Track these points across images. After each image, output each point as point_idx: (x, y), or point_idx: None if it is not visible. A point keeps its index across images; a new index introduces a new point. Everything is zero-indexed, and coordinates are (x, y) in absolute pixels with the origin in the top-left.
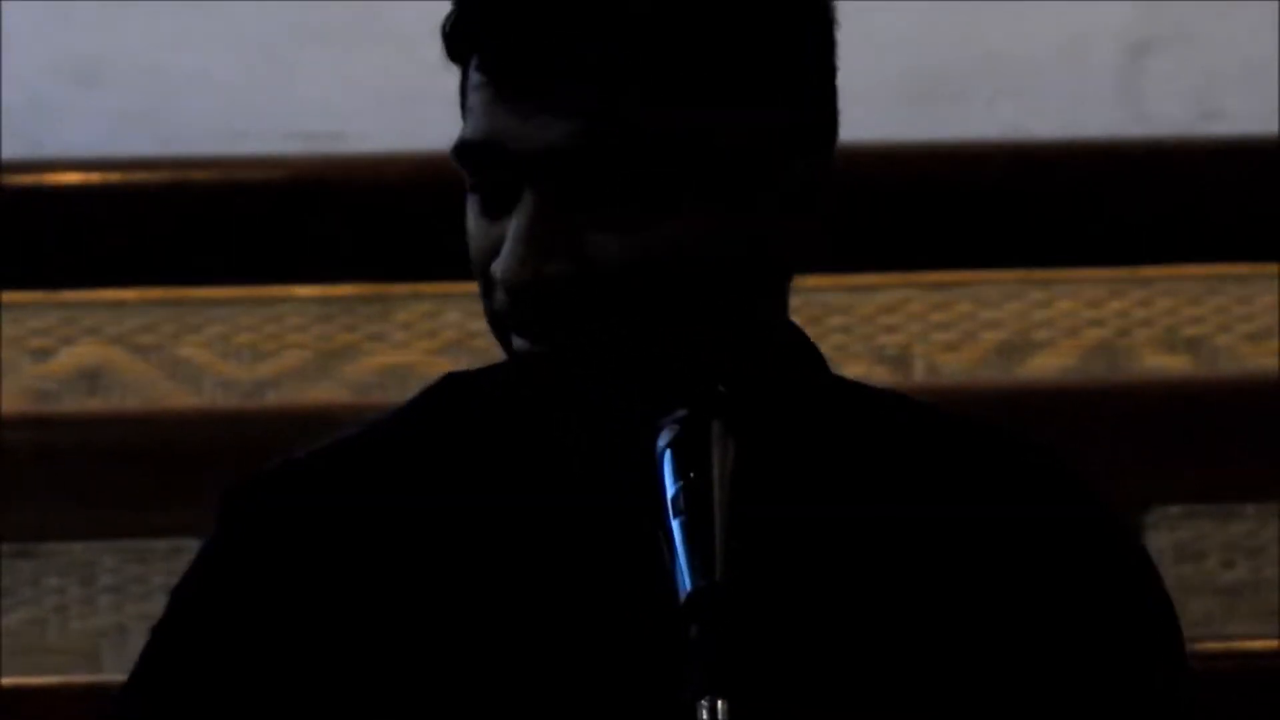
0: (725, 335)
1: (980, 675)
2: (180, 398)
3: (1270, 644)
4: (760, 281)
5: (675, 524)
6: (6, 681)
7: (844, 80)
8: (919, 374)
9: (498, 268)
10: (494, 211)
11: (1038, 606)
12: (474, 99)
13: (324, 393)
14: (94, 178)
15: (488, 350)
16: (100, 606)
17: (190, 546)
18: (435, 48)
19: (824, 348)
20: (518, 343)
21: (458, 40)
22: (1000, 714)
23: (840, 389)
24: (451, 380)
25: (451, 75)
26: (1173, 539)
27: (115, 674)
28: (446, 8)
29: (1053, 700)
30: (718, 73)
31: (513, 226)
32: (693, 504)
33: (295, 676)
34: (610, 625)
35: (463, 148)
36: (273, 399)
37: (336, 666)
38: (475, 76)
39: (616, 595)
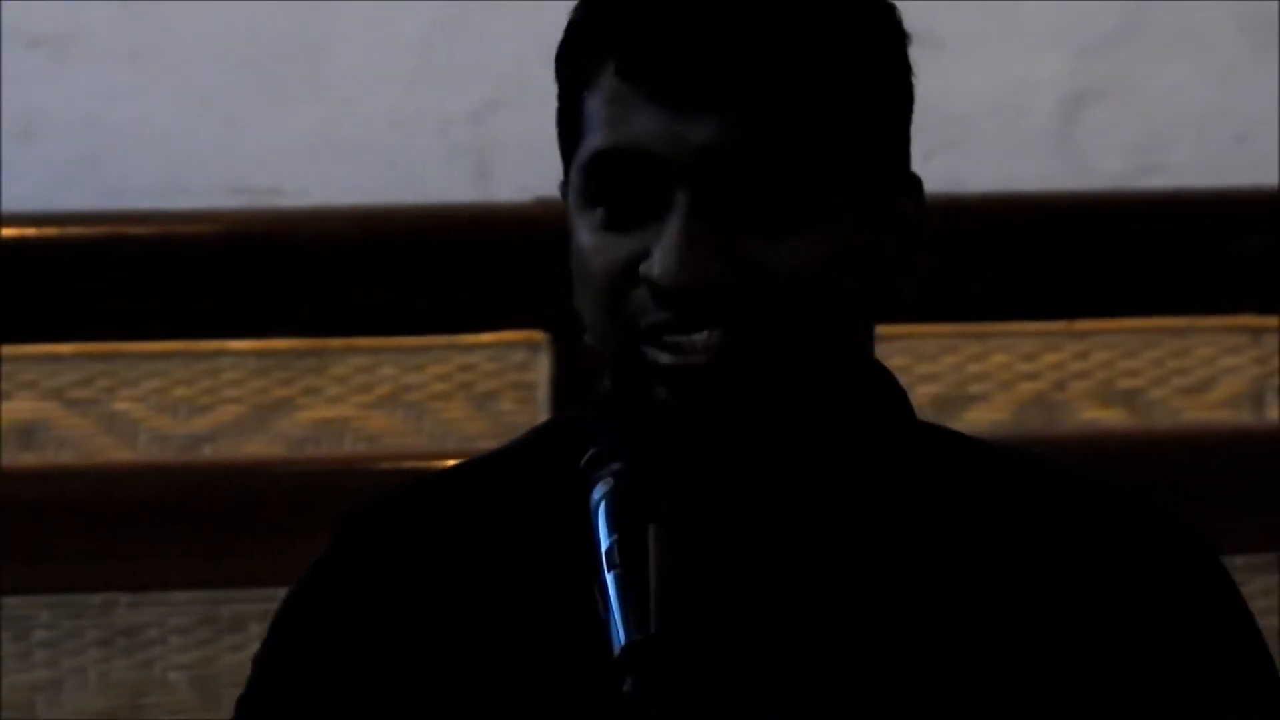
0: (836, 363)
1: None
2: (115, 452)
3: None
4: (872, 313)
5: (609, 578)
6: None
7: None
8: None
9: (655, 272)
10: (625, 223)
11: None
12: (609, 110)
13: (260, 447)
14: (30, 232)
15: (422, 404)
16: (35, 661)
17: (125, 601)
18: (373, 103)
19: None
20: (663, 357)
21: (591, 48)
22: None
23: (925, 434)
24: (559, 420)
25: (389, 132)
26: None
27: None
28: (383, 65)
29: None
30: (851, 92)
31: (669, 230)
32: (627, 559)
33: (390, 706)
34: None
35: (604, 156)
36: (208, 453)
37: (425, 700)
38: (611, 85)
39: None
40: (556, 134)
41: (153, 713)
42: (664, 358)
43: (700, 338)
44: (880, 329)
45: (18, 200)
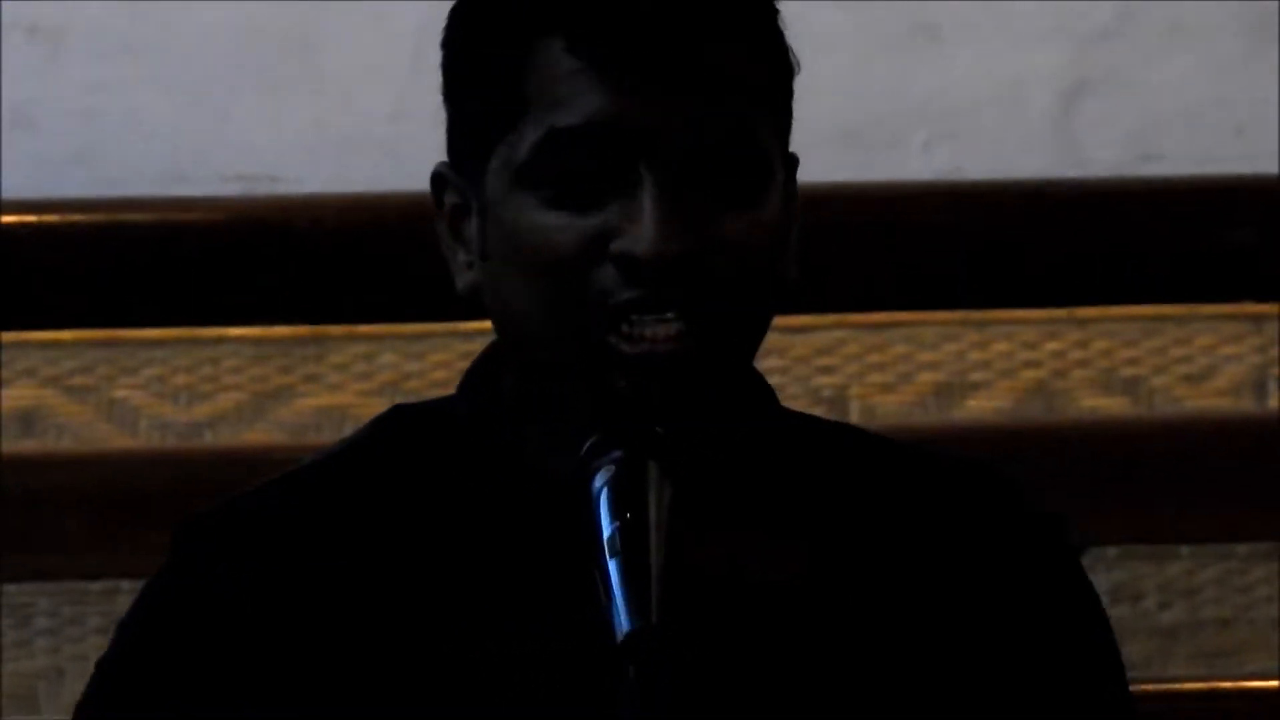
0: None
1: (937, 699)
2: (116, 439)
3: (1209, 685)
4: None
5: (611, 565)
6: None
7: None
8: (855, 415)
9: (638, 247)
10: (581, 202)
11: (979, 630)
12: (557, 88)
13: (260, 434)
14: (29, 218)
15: (423, 392)
16: (36, 649)
17: (126, 588)
18: (367, 94)
19: None
20: (625, 347)
21: (527, 25)
22: None
23: (790, 422)
24: (398, 412)
25: (385, 123)
26: (1109, 580)
27: (52, 715)
28: (379, 57)
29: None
30: (783, 70)
31: (646, 205)
32: (629, 545)
33: (240, 713)
34: (552, 664)
35: (563, 133)
36: (209, 440)
37: (279, 706)
38: (557, 63)
39: (561, 632)
40: (455, 116)
41: None
42: (626, 347)
43: (666, 326)
44: (881, 317)
45: (17, 189)
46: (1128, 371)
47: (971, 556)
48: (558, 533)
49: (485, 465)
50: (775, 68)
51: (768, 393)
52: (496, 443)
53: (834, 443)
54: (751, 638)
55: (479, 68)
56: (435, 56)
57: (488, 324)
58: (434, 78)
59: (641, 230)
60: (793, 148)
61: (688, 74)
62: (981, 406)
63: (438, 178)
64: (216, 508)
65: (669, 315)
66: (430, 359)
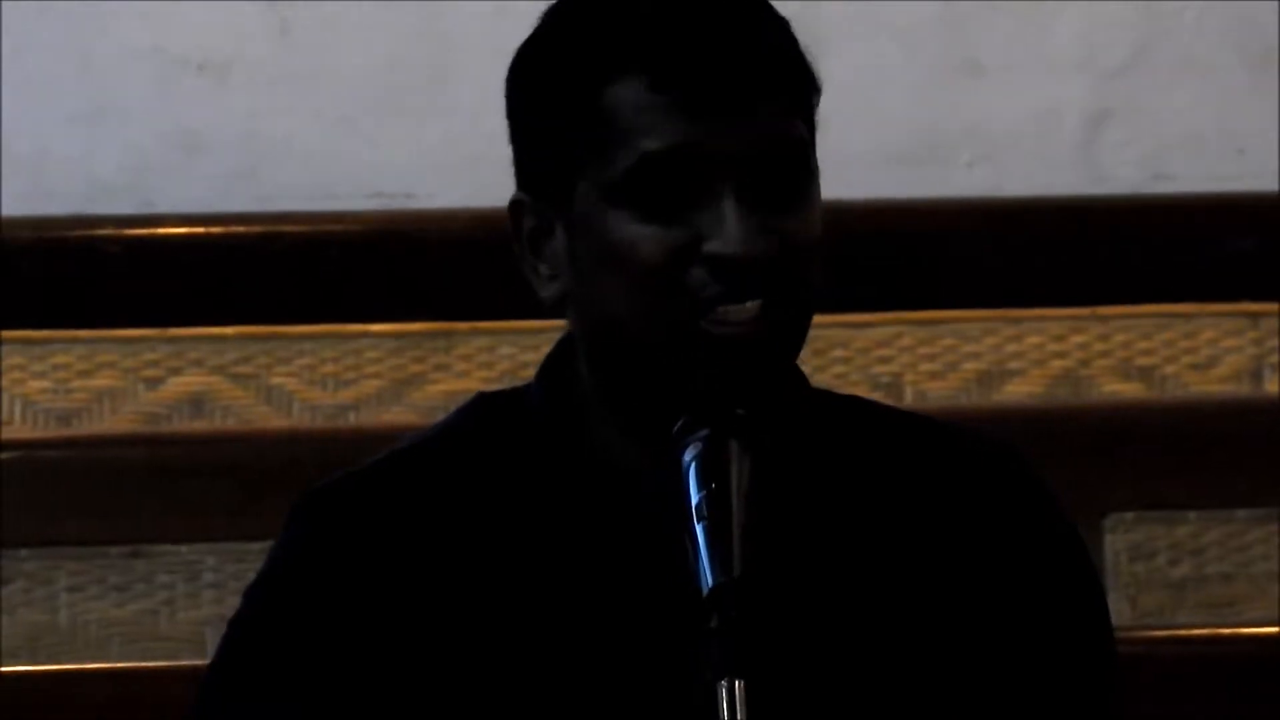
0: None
1: (952, 653)
2: (273, 420)
3: (1212, 632)
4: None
5: (699, 528)
6: (124, 665)
7: (847, 146)
8: (909, 399)
9: (727, 249)
10: (667, 215)
11: (995, 585)
12: (643, 118)
13: (396, 416)
14: (199, 231)
15: None
16: (203, 600)
17: None
18: (494, 119)
19: (826, 376)
20: (715, 329)
21: (612, 64)
22: (968, 683)
23: (821, 399)
24: (482, 399)
25: (506, 144)
26: (1127, 541)
27: None
28: (499, 85)
29: (1005, 671)
30: (812, 105)
31: (727, 214)
32: (714, 511)
33: (359, 670)
34: (643, 617)
35: (653, 157)
36: (352, 420)
37: (397, 663)
38: (638, 97)
39: (649, 590)
40: (535, 149)
41: None
42: (716, 329)
43: (750, 306)
44: (930, 314)
45: (186, 205)
46: (1143, 361)
47: (979, 514)
48: (619, 513)
49: (556, 449)
50: (811, 91)
51: (802, 376)
52: (567, 428)
53: (859, 415)
54: (813, 589)
55: (563, 106)
56: None
57: None
58: None
59: (727, 234)
60: (858, 163)
61: (750, 101)
62: (1017, 391)
63: (516, 205)
64: (329, 486)
65: (749, 303)
66: (542, 350)
